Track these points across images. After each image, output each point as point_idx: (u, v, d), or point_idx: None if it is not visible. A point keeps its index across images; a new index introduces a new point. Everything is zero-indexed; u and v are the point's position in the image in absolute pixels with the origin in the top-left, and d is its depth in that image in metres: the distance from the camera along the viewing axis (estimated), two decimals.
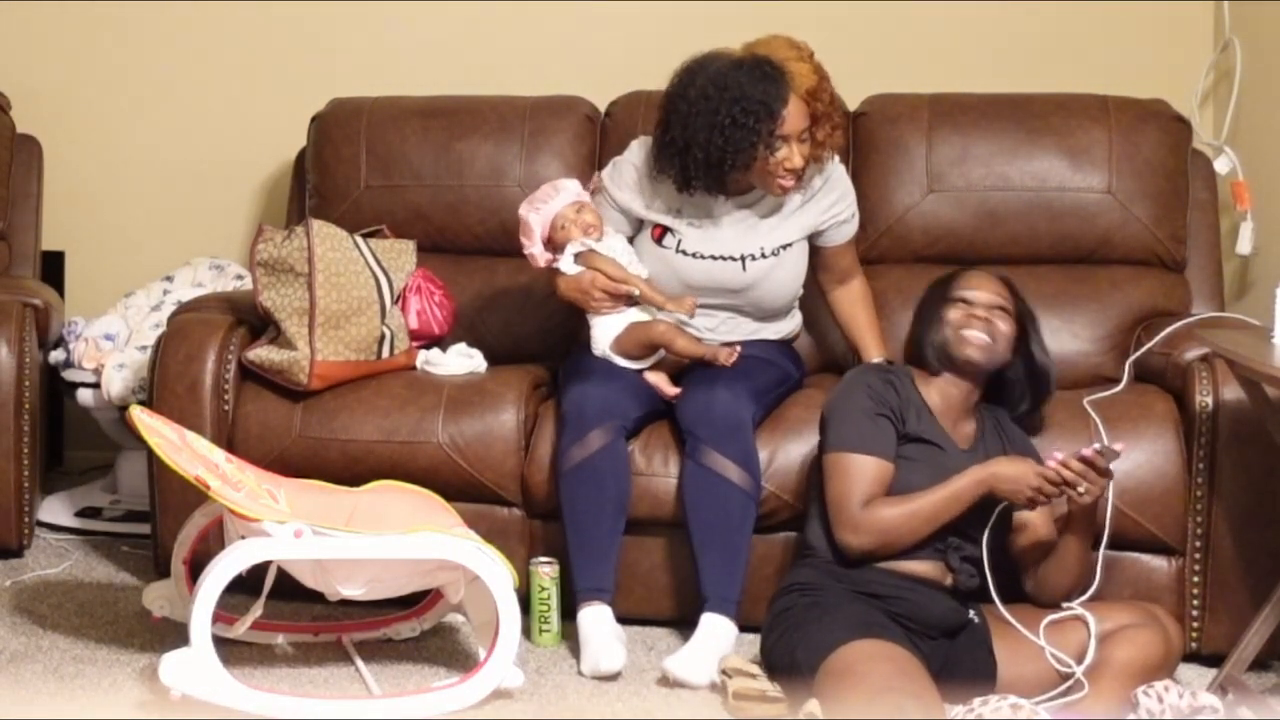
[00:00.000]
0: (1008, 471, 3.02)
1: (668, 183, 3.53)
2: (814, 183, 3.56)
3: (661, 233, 3.54)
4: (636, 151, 3.61)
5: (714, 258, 3.51)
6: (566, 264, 3.51)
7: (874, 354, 3.64)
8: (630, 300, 3.48)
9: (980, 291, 3.18)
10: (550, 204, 3.53)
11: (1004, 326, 3.16)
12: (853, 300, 3.69)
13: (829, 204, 3.58)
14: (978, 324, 3.14)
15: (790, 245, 3.55)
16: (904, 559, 3.05)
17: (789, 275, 3.56)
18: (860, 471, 3.06)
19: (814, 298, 3.75)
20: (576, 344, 3.67)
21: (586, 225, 3.52)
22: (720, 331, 3.55)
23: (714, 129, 3.36)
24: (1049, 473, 2.96)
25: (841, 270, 3.68)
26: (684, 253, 3.51)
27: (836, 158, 3.62)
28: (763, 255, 3.52)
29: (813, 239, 3.61)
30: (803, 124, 3.41)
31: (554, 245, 3.53)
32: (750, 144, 3.35)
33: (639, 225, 3.60)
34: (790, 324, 3.68)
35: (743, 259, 3.51)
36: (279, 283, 3.59)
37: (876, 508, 3.03)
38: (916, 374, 3.22)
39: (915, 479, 3.07)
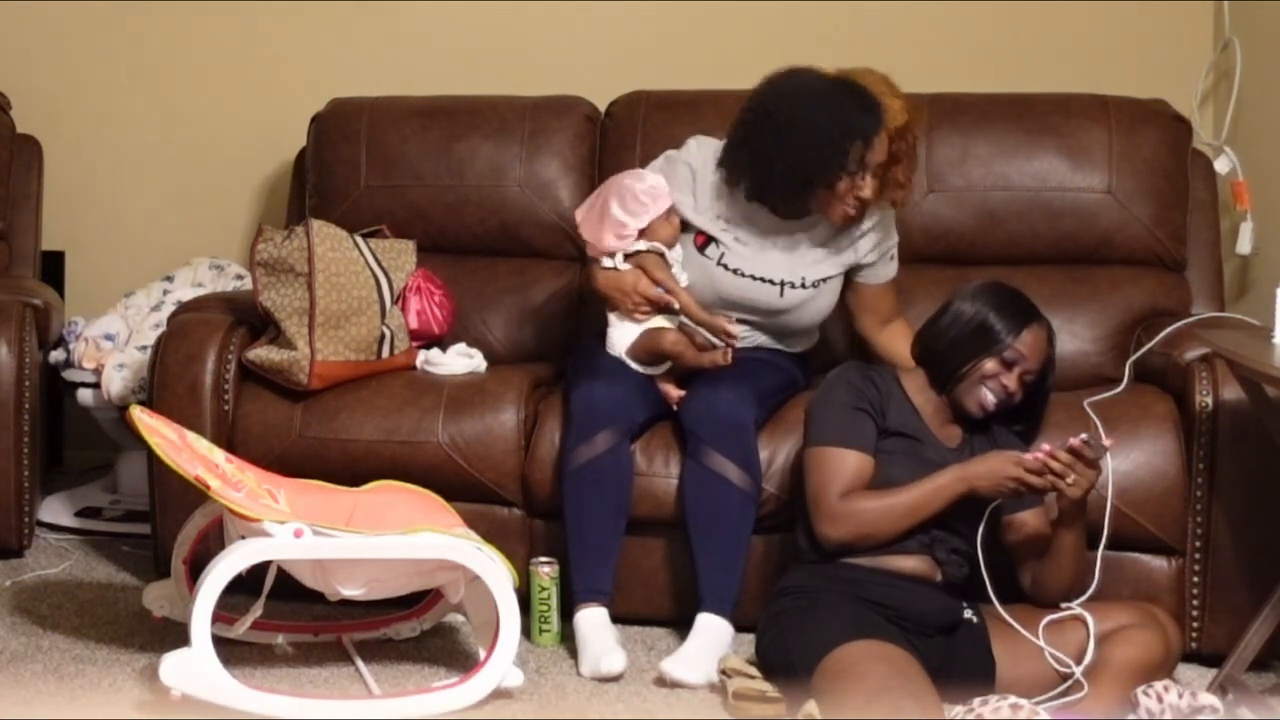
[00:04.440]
0: (985, 466, 3.02)
1: (722, 191, 3.50)
2: (864, 223, 3.53)
3: (705, 241, 3.51)
4: (694, 152, 3.56)
5: (754, 278, 3.48)
6: (619, 259, 3.45)
7: None
8: (663, 310, 3.46)
9: (1029, 360, 3.11)
10: (665, 195, 3.45)
11: (1019, 395, 3.14)
12: (894, 338, 3.60)
13: (875, 243, 3.55)
14: (999, 389, 3.11)
15: (830, 279, 3.53)
16: (891, 555, 3.05)
17: (822, 307, 3.56)
18: (839, 464, 3.06)
19: None
20: (587, 335, 3.65)
21: (676, 231, 3.48)
22: (740, 339, 3.52)
23: (807, 142, 3.31)
24: (1029, 462, 2.96)
25: (885, 312, 3.63)
26: (725, 266, 3.49)
27: (893, 213, 3.59)
28: (802, 285, 3.49)
29: (852, 276, 3.59)
30: (882, 158, 3.38)
31: (644, 234, 3.45)
32: (840, 165, 3.32)
33: (682, 227, 3.54)
34: (808, 341, 3.67)
35: (782, 285, 3.49)
36: (279, 283, 3.59)
37: (855, 499, 3.04)
38: (902, 374, 3.22)
39: (896, 473, 3.07)
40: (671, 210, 3.47)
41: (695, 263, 3.50)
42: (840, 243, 3.53)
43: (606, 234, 3.46)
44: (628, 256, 3.45)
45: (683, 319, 3.46)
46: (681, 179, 3.53)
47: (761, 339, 3.57)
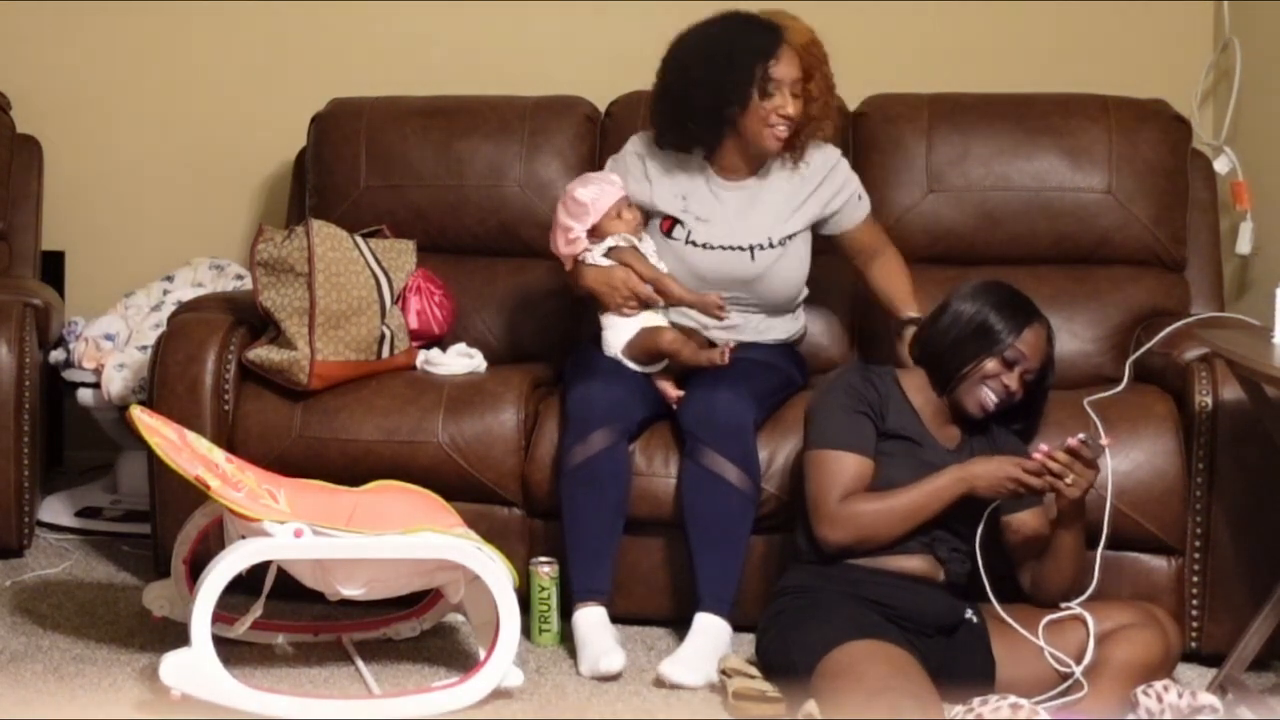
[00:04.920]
0: (984, 468, 3.02)
1: (674, 170, 3.56)
2: (814, 174, 3.58)
3: (670, 225, 3.55)
4: (637, 142, 3.64)
5: (724, 248, 3.52)
6: (598, 254, 3.49)
7: (907, 309, 3.55)
8: (649, 305, 3.47)
9: (1030, 359, 3.11)
10: (608, 192, 3.51)
11: (1019, 394, 3.14)
12: (886, 265, 3.65)
13: (831, 194, 3.60)
14: (1000, 389, 3.11)
15: (795, 236, 3.57)
16: (893, 555, 3.05)
17: (795, 265, 3.58)
18: (838, 467, 3.07)
19: (817, 297, 3.76)
20: (583, 339, 3.66)
21: (636, 223, 3.52)
22: (729, 329, 3.54)
23: (712, 67, 3.44)
24: (1029, 464, 2.97)
25: (871, 248, 3.67)
26: (694, 244, 3.53)
27: (837, 150, 3.64)
28: (770, 245, 3.53)
29: (825, 229, 3.63)
30: (795, 74, 3.47)
31: (596, 234, 3.50)
32: (746, 82, 3.42)
33: (645, 219, 3.59)
34: (796, 324, 3.69)
35: (751, 249, 3.52)
36: (279, 283, 3.59)
37: (854, 502, 3.04)
38: (902, 374, 3.22)
39: (896, 474, 3.07)
40: (620, 205, 3.51)
41: (666, 248, 3.55)
42: (798, 197, 3.57)
43: (559, 239, 3.53)
44: (607, 253, 3.48)
45: (673, 318, 3.47)
46: (633, 171, 3.59)
47: (752, 320, 3.58)
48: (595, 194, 3.50)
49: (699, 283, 3.51)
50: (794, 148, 3.55)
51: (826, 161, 3.61)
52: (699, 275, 3.52)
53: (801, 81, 3.48)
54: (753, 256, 3.52)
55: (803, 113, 3.49)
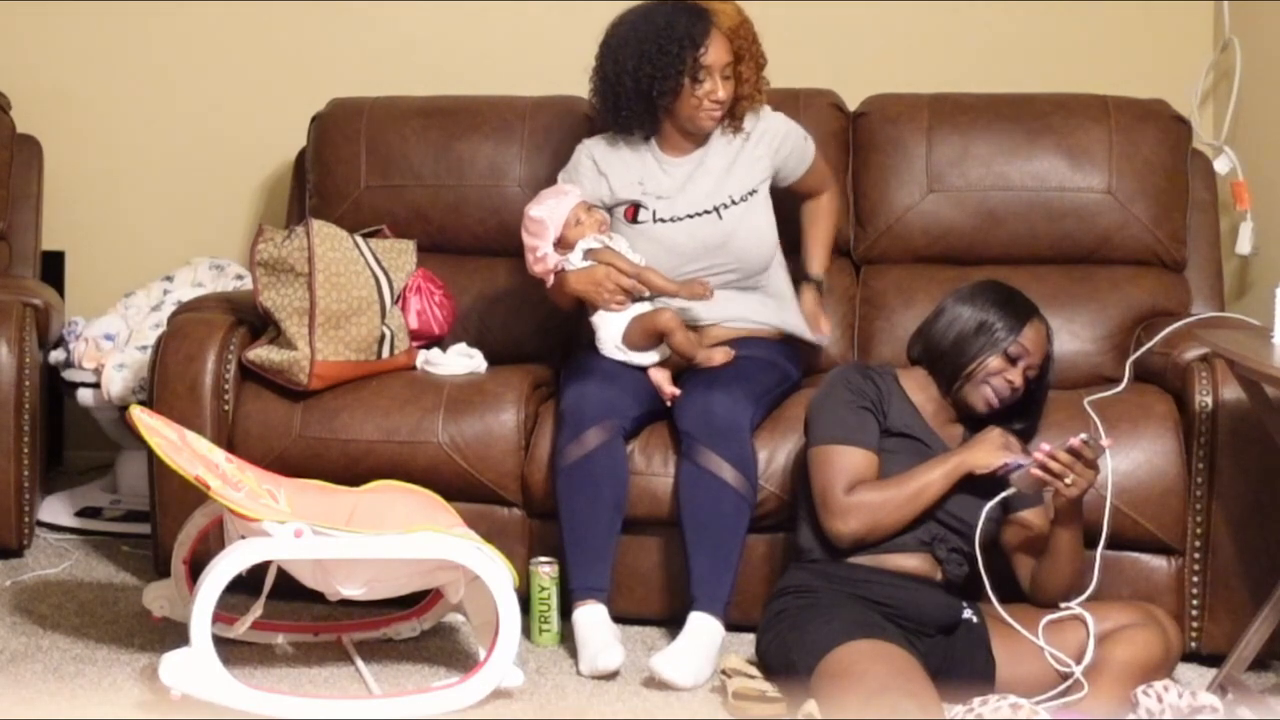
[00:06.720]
0: (978, 445, 3.06)
1: (627, 159, 3.60)
2: (755, 136, 3.62)
3: (634, 211, 3.58)
4: (584, 147, 3.69)
5: (690, 216, 3.55)
6: (576, 259, 3.50)
7: (814, 268, 3.76)
8: (637, 297, 3.48)
9: (1032, 354, 3.13)
10: (562, 203, 3.53)
11: (1021, 389, 3.15)
12: (814, 211, 3.79)
13: (775, 148, 3.64)
14: (1004, 385, 3.12)
15: (755, 192, 3.61)
16: (892, 554, 3.06)
17: (762, 222, 3.61)
18: (844, 461, 3.07)
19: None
20: (578, 344, 3.67)
21: (600, 223, 3.53)
22: (715, 307, 3.54)
23: (641, 57, 3.49)
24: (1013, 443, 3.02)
25: (813, 187, 3.77)
26: (662, 220, 3.55)
27: (769, 108, 3.67)
28: (734, 201, 3.57)
29: (783, 179, 3.69)
30: (726, 58, 3.51)
31: (563, 245, 3.52)
32: (676, 71, 3.47)
33: (609, 215, 3.62)
34: (774, 287, 3.66)
35: (717, 209, 3.56)
36: (279, 283, 3.59)
37: (860, 492, 3.05)
38: (901, 373, 3.22)
39: (899, 472, 3.07)
40: (577, 211, 3.52)
41: (635, 234, 3.56)
42: (747, 155, 3.61)
43: (529, 260, 3.55)
44: (585, 255, 3.49)
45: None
46: (586, 172, 3.63)
47: (736, 301, 3.57)
48: (550, 208, 3.52)
49: (674, 258, 3.53)
50: (731, 118, 3.59)
51: (760, 119, 3.65)
52: (673, 250, 3.53)
53: (732, 64, 3.52)
54: (720, 216, 3.55)
55: (734, 94, 3.54)
